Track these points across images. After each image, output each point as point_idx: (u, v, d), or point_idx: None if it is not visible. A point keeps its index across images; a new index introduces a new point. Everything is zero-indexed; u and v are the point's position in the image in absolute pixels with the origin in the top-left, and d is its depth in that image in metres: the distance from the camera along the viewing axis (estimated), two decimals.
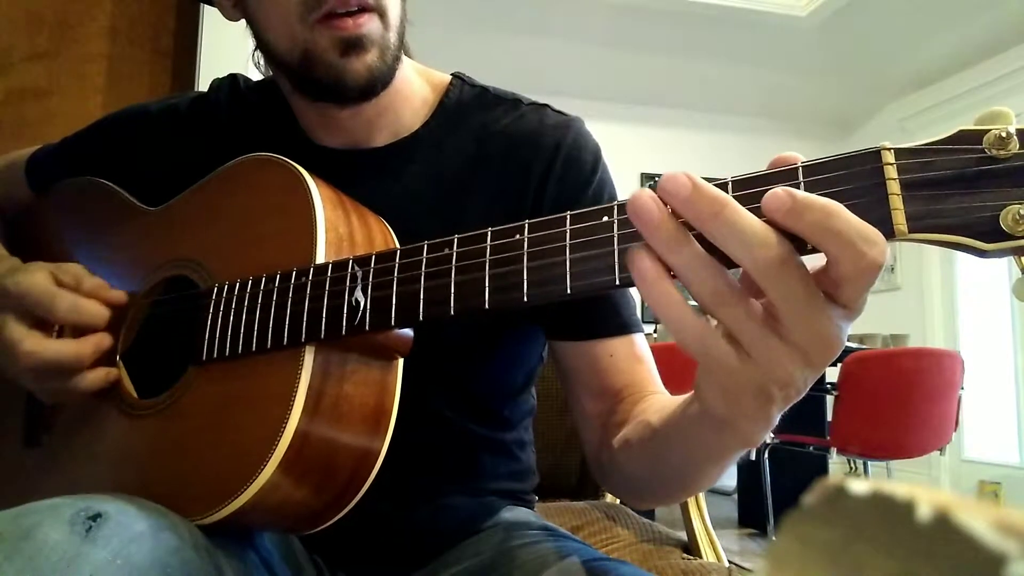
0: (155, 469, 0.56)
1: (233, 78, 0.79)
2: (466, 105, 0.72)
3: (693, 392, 0.43)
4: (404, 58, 0.70)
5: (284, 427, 0.49)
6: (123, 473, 0.59)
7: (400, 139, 0.70)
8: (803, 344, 0.35)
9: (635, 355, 0.65)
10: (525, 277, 0.43)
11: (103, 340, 0.60)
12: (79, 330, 0.60)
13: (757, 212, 0.35)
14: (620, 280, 0.40)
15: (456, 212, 0.67)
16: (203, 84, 1.33)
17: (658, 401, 0.58)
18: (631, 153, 4.61)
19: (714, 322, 0.37)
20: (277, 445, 0.49)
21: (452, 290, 0.46)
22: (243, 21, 0.68)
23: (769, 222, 0.34)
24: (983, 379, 3.78)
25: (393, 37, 0.62)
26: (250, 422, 0.51)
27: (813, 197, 0.33)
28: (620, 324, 0.65)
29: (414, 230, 0.61)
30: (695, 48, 3.96)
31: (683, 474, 0.51)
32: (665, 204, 0.35)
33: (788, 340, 0.35)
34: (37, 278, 0.60)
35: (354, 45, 0.60)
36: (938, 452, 2.79)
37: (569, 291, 0.41)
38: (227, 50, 1.41)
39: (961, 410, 2.81)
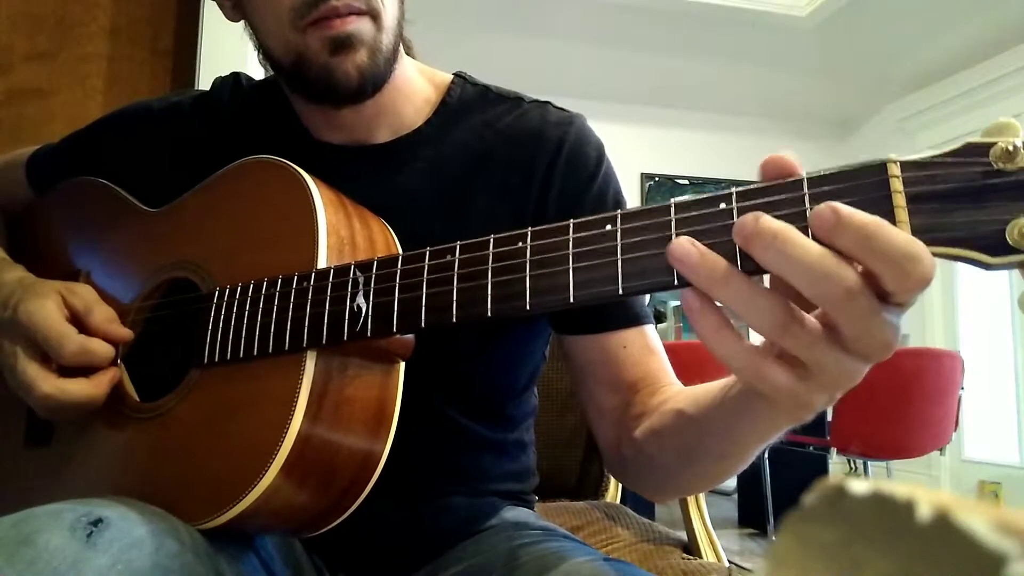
0: (157, 473, 0.56)
1: (236, 76, 0.79)
2: (468, 103, 0.72)
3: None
4: (406, 57, 0.70)
5: (286, 431, 0.49)
6: (125, 476, 0.59)
7: (402, 136, 0.70)
8: (865, 351, 0.35)
9: (648, 346, 0.65)
10: (527, 286, 0.43)
11: (114, 375, 0.60)
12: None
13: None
14: (623, 290, 0.40)
15: (458, 210, 0.67)
16: (203, 84, 1.33)
17: (683, 390, 0.58)
18: (631, 153, 4.60)
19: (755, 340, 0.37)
20: (279, 450, 0.49)
21: (454, 298, 0.46)
22: (243, 22, 0.68)
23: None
24: (983, 379, 3.78)
25: (386, 39, 0.62)
26: (252, 426, 0.51)
27: (856, 215, 0.33)
28: (632, 316, 0.65)
29: (416, 228, 0.61)
30: (695, 48, 3.96)
31: (724, 457, 0.51)
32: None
33: (851, 351, 0.35)
34: (47, 309, 0.59)
35: (343, 44, 0.60)
36: (938, 452, 2.79)
37: (572, 300, 0.41)
38: (227, 50, 1.41)
39: (961, 410, 2.81)
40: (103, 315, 0.62)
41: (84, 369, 0.59)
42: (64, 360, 0.58)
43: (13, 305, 0.61)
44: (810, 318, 0.36)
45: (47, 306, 0.60)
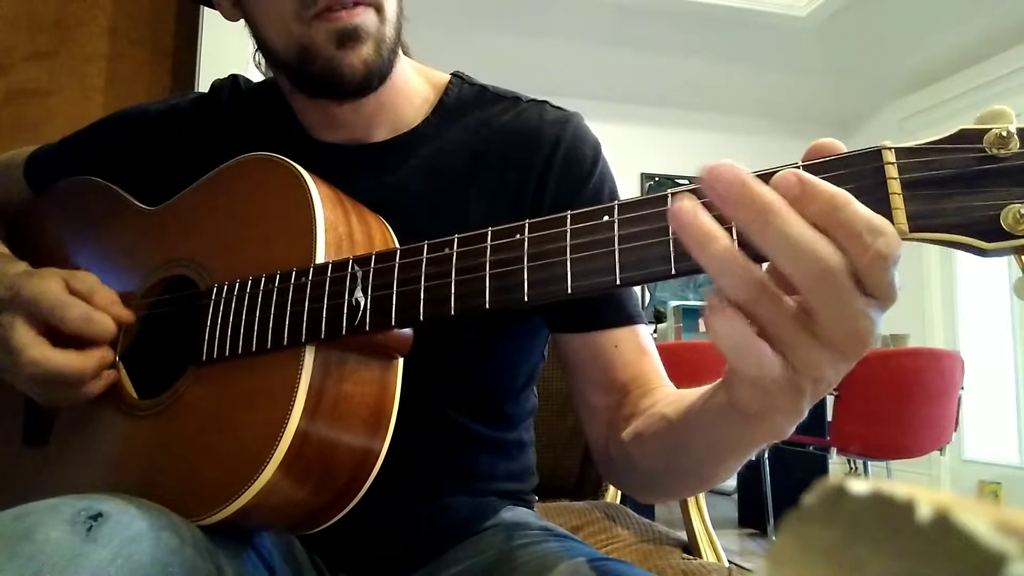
0: (155, 470, 0.56)
1: (234, 79, 0.79)
2: (466, 103, 0.72)
3: (719, 385, 0.43)
4: (403, 57, 0.71)
5: (284, 428, 0.49)
6: (123, 474, 0.59)
7: (400, 134, 0.70)
8: (839, 342, 0.35)
9: (640, 347, 0.65)
10: (525, 278, 0.43)
11: (106, 355, 0.60)
12: (82, 342, 0.60)
13: None
14: (621, 280, 0.40)
15: (456, 208, 0.67)
16: (203, 84, 1.33)
17: (671, 394, 0.58)
18: (631, 153, 4.60)
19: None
20: (277, 446, 0.49)
21: (452, 290, 0.46)
22: (242, 21, 0.68)
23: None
24: (983, 379, 3.78)
25: (389, 31, 0.63)
26: (250, 422, 0.51)
27: (822, 186, 0.33)
28: (625, 315, 0.65)
29: (414, 226, 0.61)
30: (695, 48, 3.96)
31: (702, 467, 0.51)
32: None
33: (824, 339, 0.35)
34: (51, 285, 0.60)
35: (350, 37, 0.60)
36: (938, 452, 2.79)
37: (569, 291, 0.41)
38: (227, 50, 1.41)
39: (961, 410, 2.80)
40: (106, 297, 0.62)
41: (78, 347, 0.59)
42: (68, 324, 0.58)
43: (16, 286, 0.61)
44: (786, 296, 0.35)
45: (52, 285, 0.60)
